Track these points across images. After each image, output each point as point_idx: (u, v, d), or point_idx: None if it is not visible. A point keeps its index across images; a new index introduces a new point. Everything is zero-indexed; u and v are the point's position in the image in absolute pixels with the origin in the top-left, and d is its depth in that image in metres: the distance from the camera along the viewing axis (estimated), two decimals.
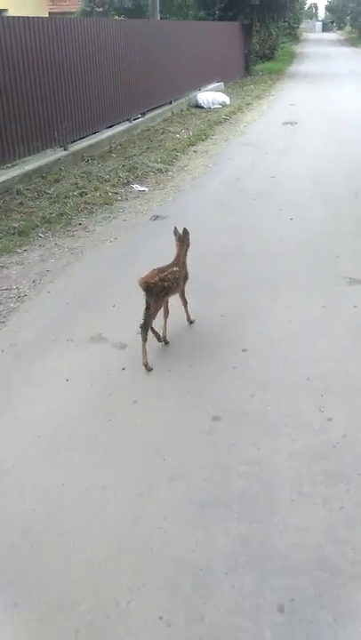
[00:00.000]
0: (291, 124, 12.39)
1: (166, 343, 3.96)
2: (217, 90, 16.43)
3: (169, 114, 13.16)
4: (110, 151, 9.77)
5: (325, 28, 73.43)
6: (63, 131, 8.60)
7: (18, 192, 7.23)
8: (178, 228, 4.03)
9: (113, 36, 10.34)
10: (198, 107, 14.51)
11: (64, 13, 25.79)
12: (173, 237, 4.02)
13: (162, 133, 11.26)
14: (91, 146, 9.43)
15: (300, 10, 39.34)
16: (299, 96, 16.93)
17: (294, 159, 9.34)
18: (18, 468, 2.88)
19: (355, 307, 4.43)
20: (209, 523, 2.54)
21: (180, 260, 3.98)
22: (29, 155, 7.99)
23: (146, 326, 3.68)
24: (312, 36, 58.45)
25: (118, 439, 3.07)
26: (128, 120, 11.16)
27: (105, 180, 7.96)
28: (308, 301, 4.54)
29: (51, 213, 6.63)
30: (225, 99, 14.98)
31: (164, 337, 3.96)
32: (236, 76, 20.89)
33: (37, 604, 2.21)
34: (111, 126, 10.51)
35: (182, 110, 13.96)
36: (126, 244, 5.85)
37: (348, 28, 65.21)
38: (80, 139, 9.37)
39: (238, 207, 6.96)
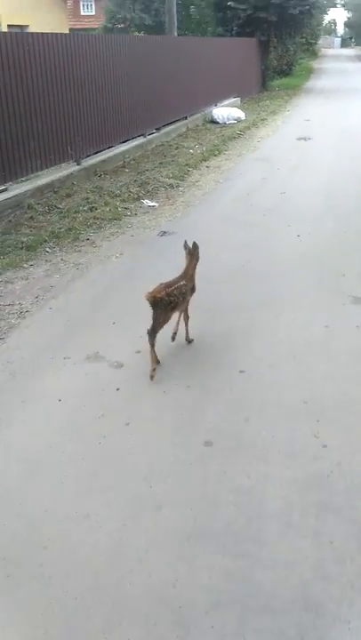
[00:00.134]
0: (305, 139, 12.33)
1: (190, 342, 4.10)
2: (233, 105, 16.46)
3: (184, 129, 13.20)
4: (124, 166, 9.80)
5: (344, 43, 73.31)
6: (77, 145, 8.65)
7: (29, 206, 7.25)
8: (188, 242, 4.06)
9: (131, 52, 10.43)
10: (213, 122, 14.54)
11: (86, 29, 26.27)
12: (181, 252, 4.06)
13: (176, 148, 11.28)
14: (104, 161, 9.47)
15: (318, 26, 39.34)
16: (314, 111, 16.88)
17: (306, 175, 9.26)
18: (0, 493, 2.82)
19: (357, 327, 4.32)
20: (192, 556, 2.45)
21: (189, 273, 4.01)
22: (44, 169, 8.04)
23: (153, 333, 3.70)
24: (330, 51, 58.41)
25: (107, 464, 3.00)
26: (143, 135, 11.21)
27: (116, 195, 7.97)
28: (311, 321, 4.44)
29: (60, 228, 6.65)
30: (240, 114, 14.99)
31: (187, 337, 4.09)
32: (253, 92, 20.93)
33: (9, 638, 2.14)
34: (125, 141, 10.57)
35: (197, 125, 14.00)
36: (131, 261, 5.82)
37: None
38: (95, 153, 9.42)
39: (247, 223, 6.90)
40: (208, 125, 14.25)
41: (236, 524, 2.60)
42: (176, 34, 15.58)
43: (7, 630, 2.17)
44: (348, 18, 70.72)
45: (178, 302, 3.81)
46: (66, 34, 8.95)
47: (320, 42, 49.29)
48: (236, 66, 18.09)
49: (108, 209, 7.39)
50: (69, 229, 6.65)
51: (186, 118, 13.56)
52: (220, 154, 10.99)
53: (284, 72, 26.77)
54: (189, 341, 4.13)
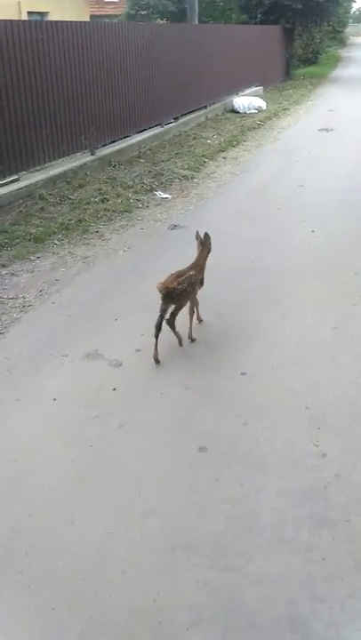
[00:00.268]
0: (327, 130, 12.03)
1: (193, 340, 4.02)
2: (256, 94, 16.16)
3: (203, 118, 12.99)
4: (139, 156, 9.67)
5: None
6: (91, 135, 8.54)
7: (40, 197, 7.17)
8: (200, 233, 4.08)
9: (150, 39, 10.25)
10: (234, 111, 14.29)
11: (108, 16, 26.02)
12: (190, 247, 4.08)
13: (193, 139, 11.10)
14: (119, 151, 9.34)
15: (346, 14, 38.42)
16: (339, 102, 16.47)
17: (326, 168, 9.01)
18: None
19: None
20: (177, 568, 2.36)
21: (199, 263, 4.03)
22: (58, 158, 7.96)
23: (171, 323, 3.74)
24: (359, 39, 57.18)
25: (97, 467, 2.92)
26: (160, 125, 11.04)
27: (128, 187, 7.85)
28: (319, 322, 4.29)
29: (70, 220, 6.56)
30: (261, 103, 14.71)
31: (190, 335, 4.01)
32: (276, 81, 20.53)
33: None
34: (142, 131, 10.42)
35: (217, 115, 13.77)
36: (139, 255, 5.72)
37: None
38: (110, 143, 9.31)
39: (260, 217, 6.74)
40: (228, 115, 14.01)
41: (225, 536, 2.50)
42: (197, 21, 15.27)
43: None
44: None
45: (189, 292, 3.83)
46: (81, 22, 8.77)
47: (348, 30, 48.14)
48: (259, 54, 17.73)
49: (119, 200, 7.29)
50: (79, 221, 6.56)
51: (205, 107, 13.33)
52: (238, 144, 10.78)
53: (310, 60, 26.22)
54: (192, 340, 4.02)
